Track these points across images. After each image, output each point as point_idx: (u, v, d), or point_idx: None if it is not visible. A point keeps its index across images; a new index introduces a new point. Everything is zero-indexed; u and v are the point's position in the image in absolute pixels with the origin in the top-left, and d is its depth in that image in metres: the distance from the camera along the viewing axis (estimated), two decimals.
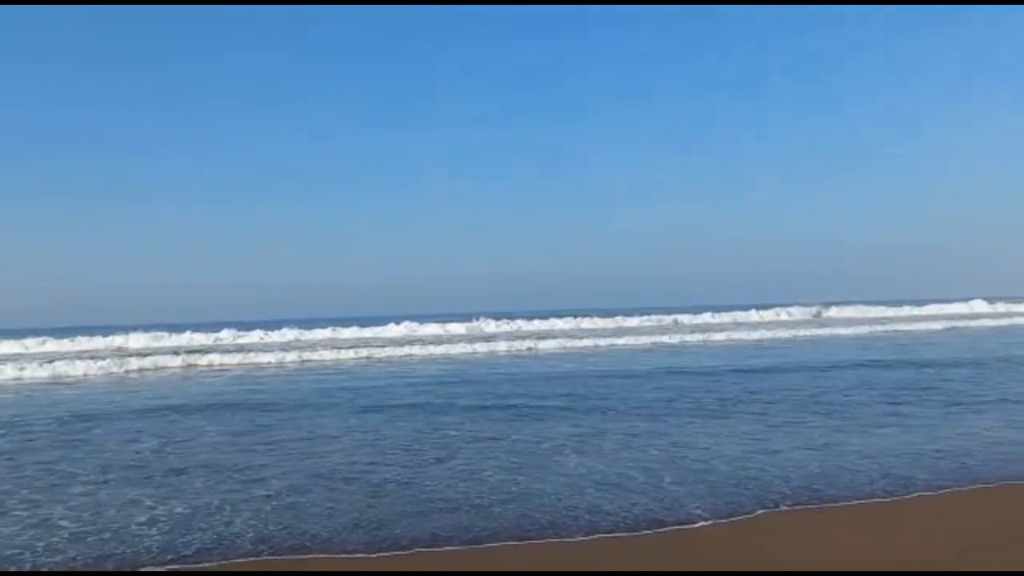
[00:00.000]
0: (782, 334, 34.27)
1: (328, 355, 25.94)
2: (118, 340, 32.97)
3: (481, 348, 28.49)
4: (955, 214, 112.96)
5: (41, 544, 5.47)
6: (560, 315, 48.45)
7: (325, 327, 39.80)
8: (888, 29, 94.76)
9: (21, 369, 20.59)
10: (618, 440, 9.32)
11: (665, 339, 31.97)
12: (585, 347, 29.47)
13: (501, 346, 29.06)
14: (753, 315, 49.26)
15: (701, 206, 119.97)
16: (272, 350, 27.41)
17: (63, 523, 6.09)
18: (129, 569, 4.96)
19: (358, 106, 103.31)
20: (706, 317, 47.75)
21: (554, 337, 33.41)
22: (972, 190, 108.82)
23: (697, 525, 5.66)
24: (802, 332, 35.04)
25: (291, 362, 24.36)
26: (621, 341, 31.34)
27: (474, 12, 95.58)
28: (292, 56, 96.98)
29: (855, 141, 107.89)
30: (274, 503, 6.60)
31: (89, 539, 5.60)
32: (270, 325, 41.14)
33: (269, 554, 5.20)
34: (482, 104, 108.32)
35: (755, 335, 33.94)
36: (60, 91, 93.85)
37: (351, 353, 26.43)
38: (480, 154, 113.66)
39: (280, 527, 5.80)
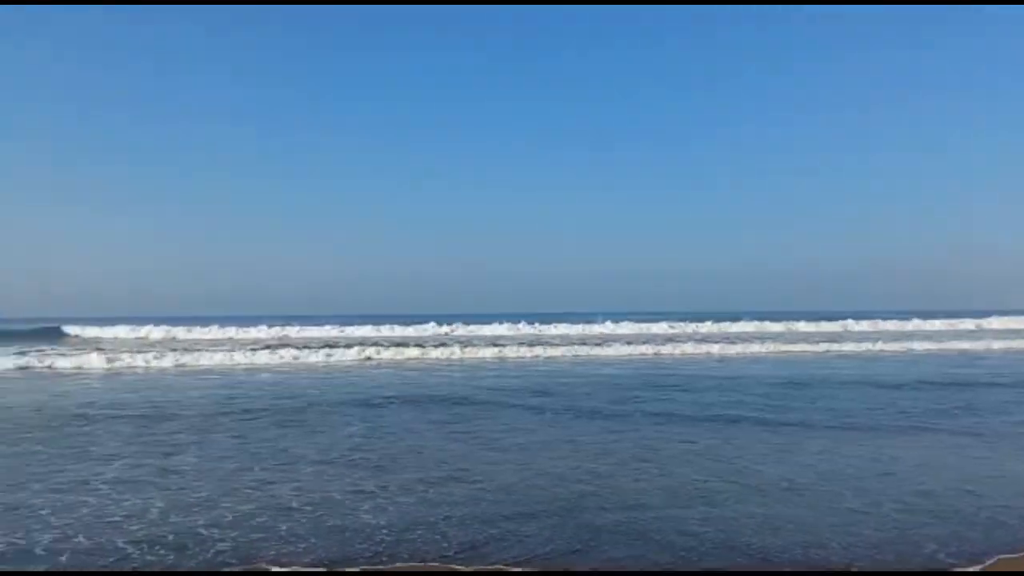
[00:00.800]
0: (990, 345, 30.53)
1: (525, 352, 26.31)
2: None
3: (664, 350, 27.87)
4: None
5: (283, 527, 5.62)
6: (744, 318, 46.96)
7: (518, 322, 41.37)
8: None
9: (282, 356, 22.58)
10: (818, 453, 8.59)
11: (849, 348, 29.29)
12: (761, 352, 27.96)
13: (686, 348, 28.43)
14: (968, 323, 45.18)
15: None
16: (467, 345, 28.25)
17: (294, 504, 6.28)
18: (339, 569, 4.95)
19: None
20: (878, 323, 44.82)
21: (735, 342, 31.99)
22: None
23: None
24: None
25: (459, 359, 24.99)
26: (796, 347, 29.48)
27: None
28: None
29: None
30: (487, 501, 6.46)
31: (328, 523, 5.71)
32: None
33: (490, 562, 4.98)
34: None
35: (962, 345, 30.58)
36: None
37: (540, 351, 26.65)
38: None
39: (497, 531, 5.60)
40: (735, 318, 46.83)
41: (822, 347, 29.31)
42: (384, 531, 5.55)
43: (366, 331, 37.69)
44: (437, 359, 24.41)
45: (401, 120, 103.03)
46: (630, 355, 26.30)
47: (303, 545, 5.20)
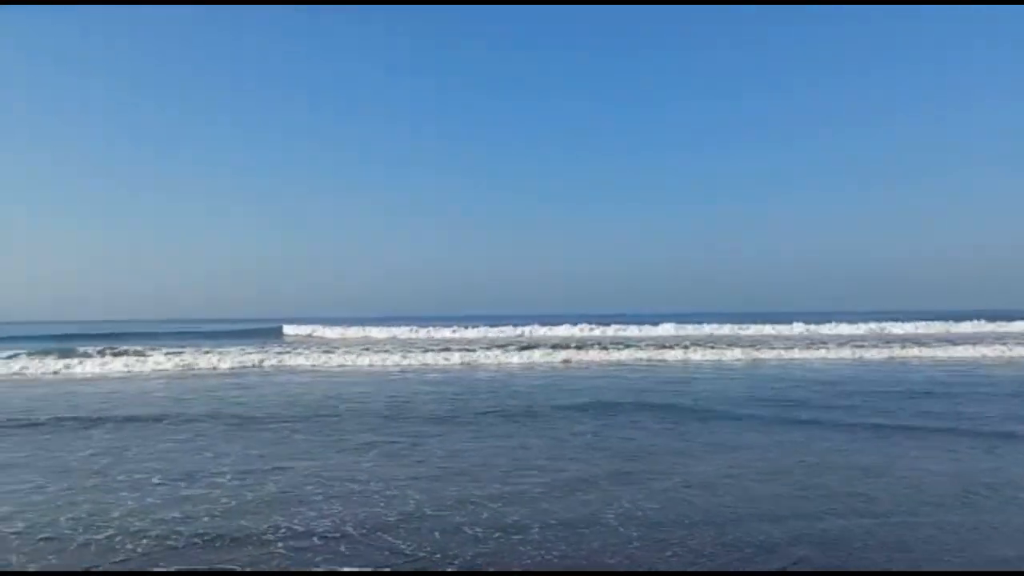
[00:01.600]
0: None
1: (739, 355, 25.21)
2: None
3: (909, 352, 25.63)
4: None
5: (535, 529, 5.56)
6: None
7: (739, 323, 40.33)
8: None
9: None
10: None
11: None
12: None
13: (928, 351, 25.64)
14: None
15: None
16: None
17: (544, 505, 6.23)
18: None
19: None
20: None
21: (992, 343, 28.43)
22: None
23: None
24: None
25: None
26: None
27: None
28: None
29: None
30: (731, 509, 6.04)
31: (578, 529, 5.58)
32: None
33: None
34: None
35: None
36: None
37: (755, 353, 25.48)
38: None
39: (738, 542, 5.14)
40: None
41: None
42: (635, 543, 5.27)
43: (571, 330, 38.43)
44: (650, 360, 23.98)
45: None
46: (867, 358, 24.27)
47: (556, 552, 5.08)
